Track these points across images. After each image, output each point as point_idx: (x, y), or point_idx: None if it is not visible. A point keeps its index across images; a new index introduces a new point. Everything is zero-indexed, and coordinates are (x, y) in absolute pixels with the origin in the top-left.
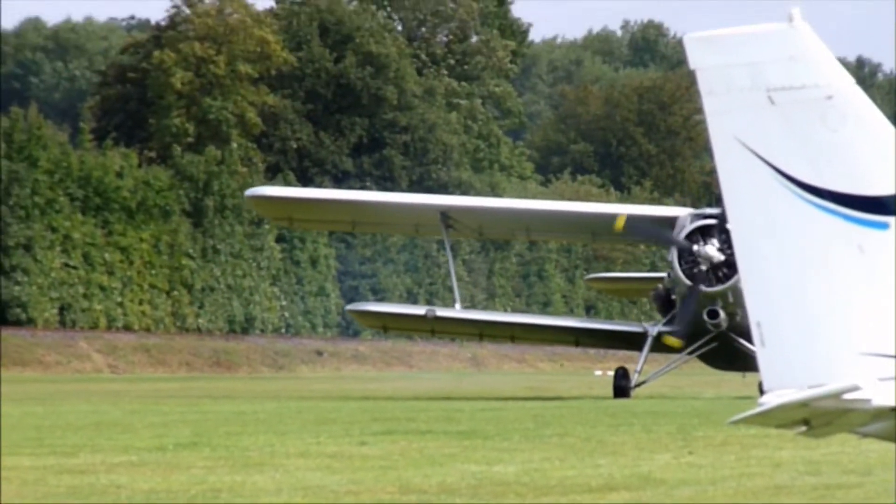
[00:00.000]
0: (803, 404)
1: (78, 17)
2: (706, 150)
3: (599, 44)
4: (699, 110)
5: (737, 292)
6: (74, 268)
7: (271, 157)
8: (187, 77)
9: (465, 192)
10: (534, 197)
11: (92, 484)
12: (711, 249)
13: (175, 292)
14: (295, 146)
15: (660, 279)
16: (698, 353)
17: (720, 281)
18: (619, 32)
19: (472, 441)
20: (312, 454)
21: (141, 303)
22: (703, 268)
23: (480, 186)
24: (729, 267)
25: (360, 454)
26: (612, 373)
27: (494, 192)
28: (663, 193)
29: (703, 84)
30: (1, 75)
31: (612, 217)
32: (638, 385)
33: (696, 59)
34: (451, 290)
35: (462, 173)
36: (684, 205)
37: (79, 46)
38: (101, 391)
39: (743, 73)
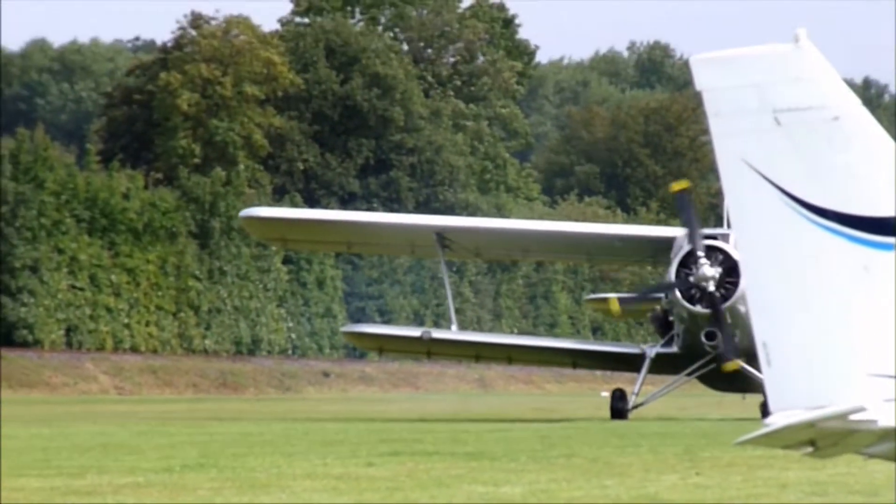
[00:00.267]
0: (809, 425)
1: (84, 38)
2: (713, 171)
3: (606, 65)
4: (705, 131)
5: (734, 313)
6: (81, 289)
7: (278, 178)
8: (193, 98)
9: (472, 214)
10: (540, 219)
11: None
12: (707, 269)
13: (181, 314)
14: (301, 168)
15: (658, 300)
16: (696, 374)
17: (719, 302)
18: (626, 53)
19: (479, 462)
20: (319, 475)
21: (147, 324)
22: (711, 288)
23: (487, 208)
24: (725, 288)
25: (366, 475)
26: (631, 395)
27: (501, 213)
28: (670, 215)
29: (710, 105)
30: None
31: (607, 237)
32: (636, 407)
33: (702, 80)
34: (457, 311)
35: (469, 195)
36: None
37: (85, 68)
38: (107, 413)
39: (749, 95)
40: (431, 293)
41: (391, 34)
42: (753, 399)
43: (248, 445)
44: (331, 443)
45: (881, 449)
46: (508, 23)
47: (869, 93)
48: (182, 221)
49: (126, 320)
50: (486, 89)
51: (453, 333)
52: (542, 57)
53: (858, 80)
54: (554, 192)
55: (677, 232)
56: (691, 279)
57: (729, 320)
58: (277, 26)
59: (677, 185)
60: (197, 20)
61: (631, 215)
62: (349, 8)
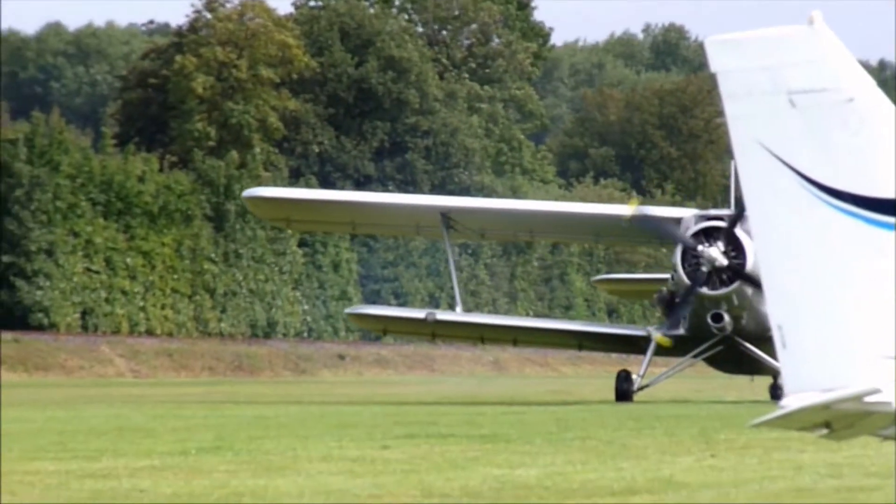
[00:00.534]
0: (824, 407)
1: (99, 21)
2: (728, 153)
3: (621, 47)
4: (721, 113)
5: (741, 295)
6: (96, 272)
7: (293, 161)
8: (209, 81)
9: (487, 196)
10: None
11: (114, 488)
12: (715, 252)
13: (197, 297)
14: (317, 150)
15: (665, 281)
16: (704, 356)
17: (724, 284)
18: (641, 36)
19: (495, 445)
20: (335, 458)
21: (163, 307)
22: (705, 269)
23: (502, 190)
24: (733, 270)
25: (382, 458)
26: (636, 376)
27: (516, 195)
28: (685, 197)
29: (724, 87)
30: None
31: (616, 218)
32: (641, 388)
33: (717, 62)
34: (473, 294)
35: (484, 177)
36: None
37: (100, 51)
38: (123, 396)
39: (764, 76)
40: (446, 276)
41: (406, 16)
42: (762, 381)
43: (264, 428)
44: (346, 425)
45: None
46: (524, 5)
47: (884, 74)
48: (197, 204)
49: (141, 303)
50: (501, 71)
51: (458, 315)
52: (556, 39)
53: (873, 62)
54: (569, 175)
55: (684, 212)
56: (700, 266)
57: (736, 302)
58: (292, 9)
59: (629, 210)
60: (212, 3)
61: (647, 197)
62: None
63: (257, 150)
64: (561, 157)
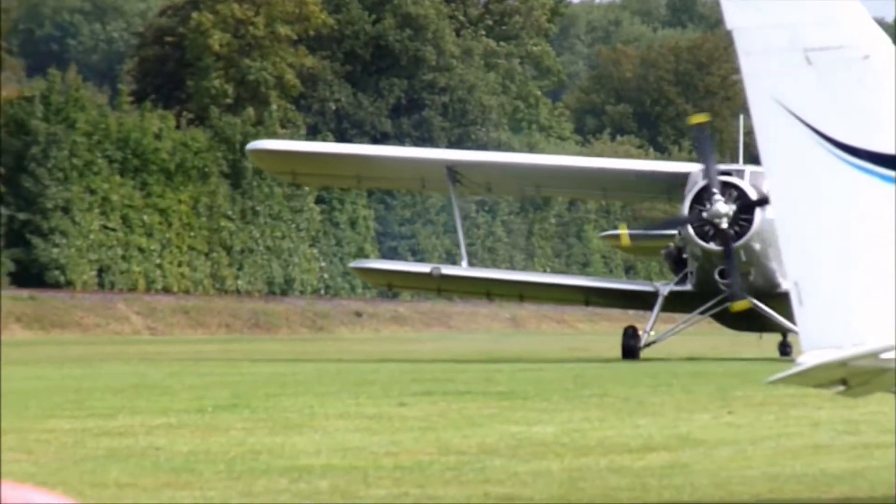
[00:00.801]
0: (841, 364)
1: None
2: (744, 110)
3: (638, 4)
4: (737, 70)
5: (749, 251)
6: (113, 230)
7: (310, 118)
8: (225, 38)
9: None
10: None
11: (130, 446)
12: (720, 206)
13: (214, 254)
14: (334, 107)
15: (672, 237)
16: (711, 312)
17: (731, 239)
18: None
19: (512, 402)
20: (352, 415)
21: (180, 265)
22: (724, 224)
23: (519, 147)
24: (740, 225)
25: (399, 415)
26: (643, 332)
27: (533, 152)
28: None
29: (741, 44)
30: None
31: (622, 172)
32: (648, 345)
33: (733, 19)
34: (490, 250)
35: (501, 134)
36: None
37: (117, 8)
38: (139, 353)
39: (780, 34)
40: (464, 232)
41: None
42: (770, 339)
43: (281, 385)
44: (363, 383)
45: None
46: None
47: None
48: (214, 161)
49: (158, 261)
50: (517, 28)
51: (463, 270)
52: None
53: (890, 19)
54: (586, 132)
55: (692, 167)
56: (705, 215)
57: (744, 258)
58: None
59: (696, 118)
60: None
61: (664, 154)
62: None
63: (274, 106)
64: (578, 114)
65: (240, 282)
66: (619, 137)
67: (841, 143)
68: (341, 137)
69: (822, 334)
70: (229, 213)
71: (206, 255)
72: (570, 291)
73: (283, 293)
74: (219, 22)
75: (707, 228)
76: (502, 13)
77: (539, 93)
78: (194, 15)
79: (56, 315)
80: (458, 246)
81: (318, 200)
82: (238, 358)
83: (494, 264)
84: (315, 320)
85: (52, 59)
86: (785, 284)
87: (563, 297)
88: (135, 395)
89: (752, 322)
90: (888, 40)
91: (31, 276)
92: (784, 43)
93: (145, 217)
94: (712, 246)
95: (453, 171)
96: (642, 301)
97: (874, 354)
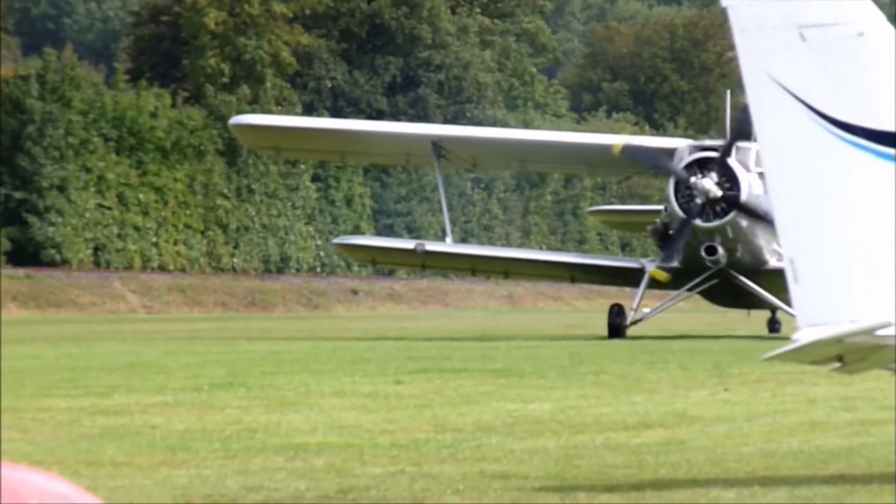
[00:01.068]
0: (837, 340)
1: None
2: (740, 86)
3: None
4: (732, 47)
5: (736, 228)
6: (109, 208)
7: (305, 96)
8: (221, 17)
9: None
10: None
11: (126, 425)
12: (709, 183)
13: (210, 232)
14: (329, 85)
15: (659, 213)
16: (698, 290)
17: (718, 216)
18: None
19: (508, 379)
20: (348, 393)
21: (175, 243)
22: (699, 201)
23: (515, 124)
24: (727, 202)
25: (395, 393)
26: (647, 310)
27: (529, 129)
28: (698, 130)
29: (735, 21)
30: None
31: (609, 148)
32: (634, 322)
33: None
34: (486, 228)
35: (496, 111)
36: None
37: None
38: (135, 332)
39: (774, 11)
40: (459, 210)
41: None
42: (758, 315)
43: (277, 364)
44: (359, 360)
45: None
46: None
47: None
48: (210, 140)
49: (154, 239)
50: (512, 5)
51: (448, 246)
52: None
53: None
54: (582, 109)
55: (678, 142)
56: (694, 198)
57: (731, 235)
58: None
59: (617, 148)
60: None
61: (659, 132)
62: None
63: (268, 84)
64: (574, 91)
65: (236, 260)
66: (614, 115)
67: (836, 119)
68: (337, 115)
69: (817, 311)
70: (225, 191)
71: (202, 233)
72: (555, 268)
73: (279, 271)
74: (214, 0)
75: (692, 203)
76: None
77: (534, 70)
78: None
79: (52, 294)
80: (454, 223)
81: (314, 178)
82: (234, 336)
83: (490, 241)
84: (311, 298)
85: (48, 37)
86: (773, 261)
87: (549, 274)
88: (131, 373)
89: (739, 298)
90: (882, 17)
91: (27, 254)
92: (778, 20)
93: (141, 195)
94: (698, 222)
95: (438, 147)
96: (628, 278)
97: (870, 331)
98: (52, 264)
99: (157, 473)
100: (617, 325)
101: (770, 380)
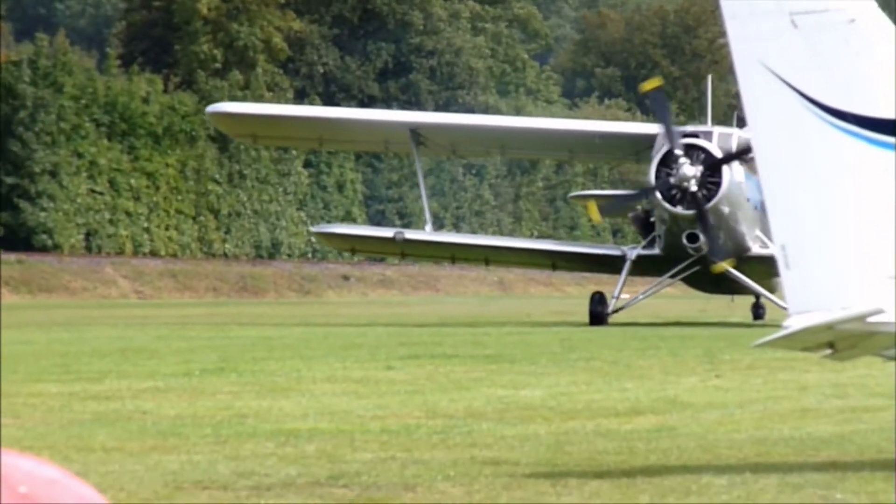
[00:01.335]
0: (828, 327)
1: None
2: (731, 73)
3: None
4: (724, 34)
5: (718, 214)
6: (100, 193)
7: (297, 82)
8: (213, 2)
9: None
10: None
11: (118, 410)
12: (690, 171)
13: (201, 218)
14: (321, 71)
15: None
16: (681, 276)
17: (701, 202)
18: None
19: (499, 365)
20: (339, 379)
21: (167, 228)
22: (693, 188)
23: (507, 110)
24: (707, 188)
25: (386, 379)
26: (626, 296)
27: (520, 115)
28: (689, 117)
29: (727, 8)
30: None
31: (588, 135)
32: (616, 311)
33: None
34: (477, 214)
35: (488, 97)
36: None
37: None
38: (127, 317)
39: None
40: (451, 196)
41: None
42: (742, 301)
43: (268, 349)
44: (350, 346)
45: None
46: None
47: None
48: (202, 125)
49: (146, 224)
50: None
51: (427, 234)
52: None
53: None
54: (575, 95)
55: (658, 129)
56: (672, 180)
57: (713, 221)
58: None
59: (649, 84)
60: None
61: (649, 117)
62: None
63: (259, 70)
64: (568, 76)
65: (227, 245)
66: (606, 101)
67: (827, 106)
68: (329, 101)
69: (809, 297)
70: (217, 176)
71: (194, 218)
72: (536, 255)
73: (271, 257)
74: None
75: (674, 192)
76: None
77: (526, 56)
78: None
79: (43, 279)
80: (445, 209)
81: (306, 164)
82: (225, 322)
83: (482, 227)
84: (302, 284)
85: (40, 23)
86: (755, 248)
87: (529, 262)
88: (122, 358)
89: (722, 285)
90: (874, 4)
91: (18, 239)
92: (770, 6)
93: (133, 181)
94: (679, 209)
95: (417, 134)
96: (610, 265)
97: (861, 318)
98: (43, 249)
99: (147, 459)
100: (598, 313)
101: (761, 366)
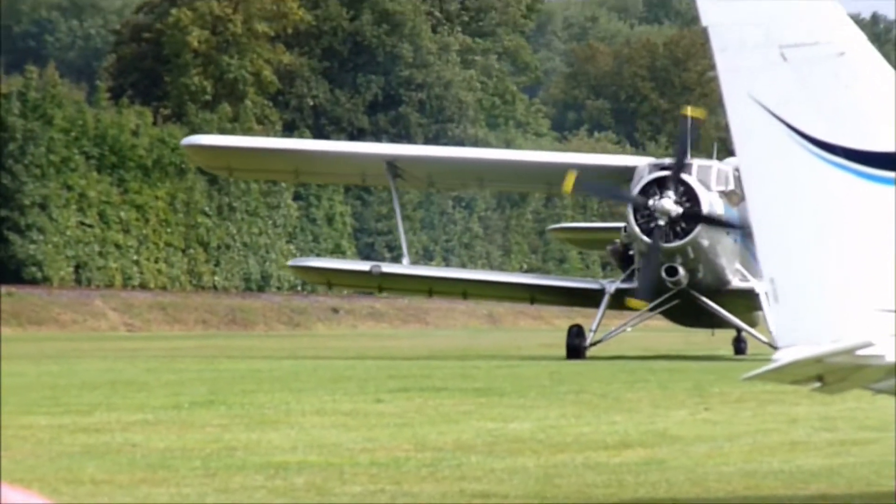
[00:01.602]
0: (817, 360)
1: None
2: (721, 106)
3: (615, 0)
4: (713, 67)
5: (697, 248)
6: (90, 226)
7: (287, 114)
8: (204, 35)
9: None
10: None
11: (107, 442)
12: (668, 203)
13: (191, 250)
14: (311, 104)
15: (619, 230)
16: (660, 310)
17: (678, 236)
18: None
19: (488, 398)
20: (328, 412)
21: (157, 261)
22: (661, 223)
23: (496, 143)
24: (688, 221)
25: (375, 412)
26: (629, 329)
27: (509, 148)
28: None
29: (716, 41)
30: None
31: (566, 167)
32: (594, 344)
33: (708, 15)
34: (467, 246)
35: (478, 130)
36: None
37: (94, 4)
38: (116, 349)
39: (755, 30)
40: (441, 229)
41: None
42: (722, 335)
43: (257, 382)
44: (340, 379)
45: (889, 384)
46: None
47: (877, 28)
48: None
49: (135, 257)
50: (493, 24)
51: (405, 268)
52: None
53: (866, 15)
54: (566, 128)
55: (638, 161)
56: (651, 205)
57: (692, 255)
58: None
59: (568, 184)
60: None
61: (640, 150)
62: None
63: (248, 103)
64: (559, 108)
65: (217, 278)
66: (596, 133)
67: (816, 139)
68: (319, 133)
69: (798, 331)
70: (206, 209)
71: (183, 251)
72: (513, 289)
73: (260, 289)
74: (197, 18)
75: (652, 225)
76: (478, 9)
77: (515, 89)
78: (173, 11)
79: (33, 311)
80: (435, 242)
81: (296, 197)
82: (214, 354)
83: (471, 261)
84: (292, 316)
85: (30, 55)
86: (735, 281)
87: (508, 295)
88: (111, 391)
89: (702, 318)
90: (863, 37)
91: (8, 272)
92: (759, 39)
93: (122, 213)
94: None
95: (393, 166)
96: (589, 299)
97: (850, 351)
98: (33, 282)
99: (137, 491)
100: (576, 347)
101: (751, 399)
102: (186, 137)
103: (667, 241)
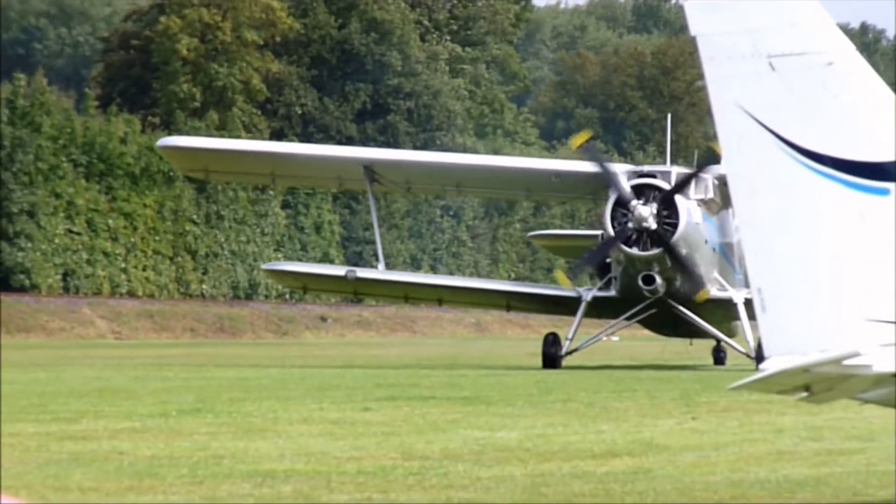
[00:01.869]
0: (804, 370)
1: None
2: (709, 115)
3: (603, 9)
4: (701, 76)
5: (674, 256)
6: (78, 234)
7: (276, 122)
8: (193, 43)
9: None
10: None
11: (94, 450)
12: (645, 211)
13: (179, 258)
14: (299, 112)
15: (598, 237)
16: (637, 319)
17: (655, 244)
18: None
19: (476, 407)
20: (315, 420)
21: (144, 269)
22: (631, 225)
23: (485, 152)
24: (664, 230)
25: (363, 420)
26: (616, 339)
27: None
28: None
29: (705, 50)
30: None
31: (546, 173)
32: (569, 353)
33: (697, 25)
34: (455, 255)
35: (466, 139)
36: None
37: (83, 12)
38: (104, 357)
39: (744, 40)
40: (429, 237)
41: None
42: (701, 344)
43: (245, 390)
44: (327, 387)
45: (876, 394)
46: None
47: (866, 38)
48: None
49: (123, 265)
50: (482, 33)
51: (380, 273)
52: (539, 1)
53: (855, 24)
54: (552, 137)
55: (618, 168)
56: (630, 225)
57: (669, 264)
58: None
59: (579, 140)
60: None
61: (627, 159)
62: None
63: (236, 110)
64: (549, 117)
65: (204, 286)
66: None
67: (804, 148)
68: (307, 141)
69: (785, 340)
70: (194, 217)
71: (171, 259)
72: (490, 296)
73: (248, 297)
74: (186, 26)
75: (631, 233)
76: (467, 18)
77: (504, 97)
78: (162, 19)
79: (21, 319)
80: (423, 251)
81: (284, 205)
82: (202, 362)
83: (459, 269)
84: (280, 325)
85: (18, 63)
86: (713, 290)
87: (483, 302)
88: (99, 399)
89: (679, 328)
90: (852, 46)
91: None
92: (748, 49)
93: (110, 221)
94: (636, 251)
95: (371, 170)
96: (565, 306)
97: (837, 361)
98: (21, 290)
99: (124, 499)
100: (552, 355)
101: (737, 409)
102: (162, 139)
103: (643, 250)
